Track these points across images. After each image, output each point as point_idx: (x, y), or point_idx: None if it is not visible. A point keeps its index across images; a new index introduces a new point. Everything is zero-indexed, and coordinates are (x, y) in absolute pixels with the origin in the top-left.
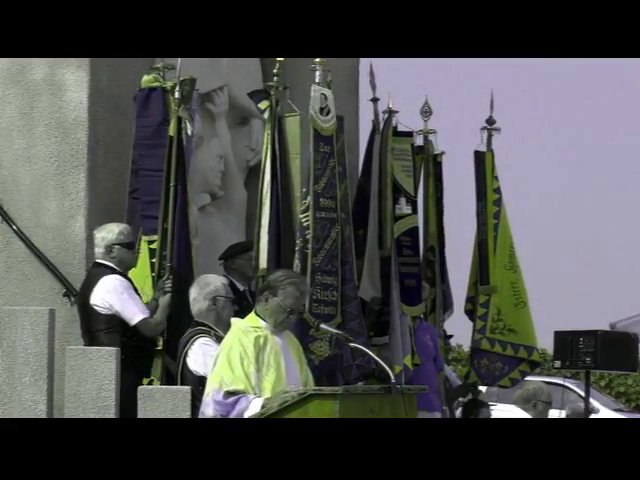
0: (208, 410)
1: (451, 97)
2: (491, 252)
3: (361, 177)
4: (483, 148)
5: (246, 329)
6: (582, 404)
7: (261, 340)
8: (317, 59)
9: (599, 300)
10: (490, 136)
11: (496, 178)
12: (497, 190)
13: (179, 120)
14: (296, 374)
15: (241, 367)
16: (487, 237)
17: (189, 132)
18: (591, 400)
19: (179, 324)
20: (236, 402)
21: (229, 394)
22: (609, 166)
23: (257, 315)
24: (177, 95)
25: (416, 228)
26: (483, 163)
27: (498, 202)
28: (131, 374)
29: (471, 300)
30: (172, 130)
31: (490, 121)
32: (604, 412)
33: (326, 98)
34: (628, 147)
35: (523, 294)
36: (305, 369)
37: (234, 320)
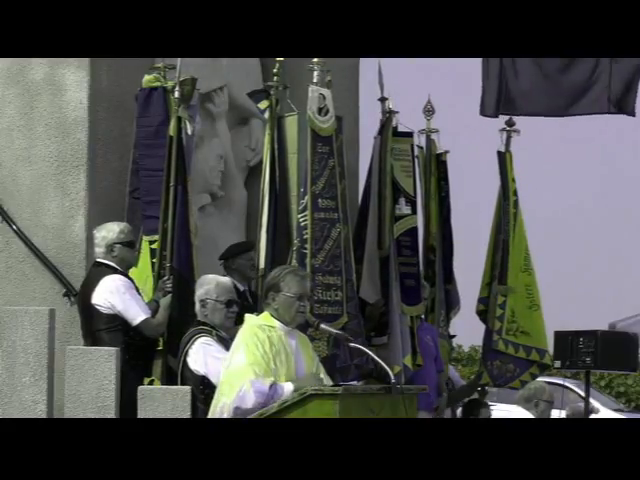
0: (245, 403)
1: (453, 96)
2: (510, 252)
3: (367, 177)
4: (501, 149)
5: (261, 326)
6: (582, 404)
7: (274, 339)
8: (315, 59)
9: (599, 300)
10: (509, 137)
11: (513, 180)
12: (514, 192)
13: (179, 120)
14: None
15: (263, 361)
16: (509, 237)
17: (189, 132)
18: (591, 400)
19: (180, 324)
20: (274, 391)
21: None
22: (609, 166)
23: (271, 315)
24: (177, 95)
25: (415, 228)
26: (504, 164)
27: (515, 204)
28: (136, 373)
29: (483, 301)
30: (172, 130)
31: (509, 123)
32: (604, 412)
33: (324, 98)
34: (627, 148)
35: (537, 297)
36: (320, 369)
37: (248, 316)
